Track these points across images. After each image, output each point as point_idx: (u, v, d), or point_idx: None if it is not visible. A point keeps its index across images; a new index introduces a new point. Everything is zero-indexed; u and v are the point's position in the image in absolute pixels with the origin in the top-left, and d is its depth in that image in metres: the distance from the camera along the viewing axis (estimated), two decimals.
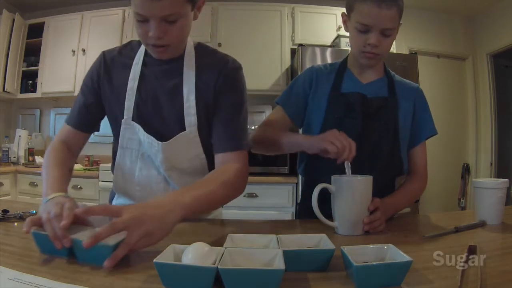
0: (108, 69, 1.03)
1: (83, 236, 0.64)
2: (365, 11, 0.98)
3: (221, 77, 1.01)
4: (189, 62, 1.01)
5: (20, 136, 3.51)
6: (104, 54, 1.06)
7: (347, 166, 0.90)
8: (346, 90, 1.12)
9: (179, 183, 1.03)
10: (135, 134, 1.02)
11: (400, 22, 1.05)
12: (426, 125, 1.16)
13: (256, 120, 3.53)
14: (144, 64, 1.01)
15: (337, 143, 0.90)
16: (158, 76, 1.01)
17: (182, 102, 1.00)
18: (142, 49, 1.03)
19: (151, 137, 0.99)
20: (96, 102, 1.05)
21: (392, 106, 1.11)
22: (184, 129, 1.00)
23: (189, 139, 1.01)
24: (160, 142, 0.99)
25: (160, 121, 1.01)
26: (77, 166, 3.34)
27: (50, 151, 1.01)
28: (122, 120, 1.01)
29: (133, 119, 1.01)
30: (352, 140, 0.91)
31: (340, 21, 3.18)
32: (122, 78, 1.01)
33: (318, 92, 1.15)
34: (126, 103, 1.00)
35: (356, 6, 1.01)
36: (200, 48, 1.05)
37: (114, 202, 1.14)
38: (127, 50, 1.05)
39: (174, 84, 1.01)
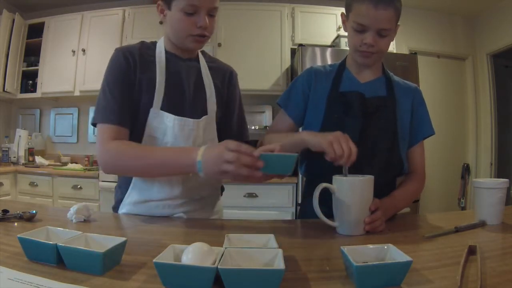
0: (135, 63, 1.08)
1: (74, 244, 0.62)
2: (362, 11, 1.00)
3: (231, 81, 1.24)
4: (202, 62, 1.19)
5: (20, 136, 3.51)
6: (123, 50, 1.09)
7: (345, 169, 0.90)
8: (345, 89, 1.13)
9: None
10: (162, 123, 1.08)
11: (398, 24, 1.06)
12: (424, 125, 1.16)
13: (256, 120, 3.53)
14: (166, 60, 1.12)
15: (336, 147, 0.89)
16: (182, 71, 1.13)
17: (204, 93, 1.15)
18: (160, 47, 1.13)
19: (185, 118, 1.09)
20: (132, 95, 1.08)
21: (390, 105, 1.11)
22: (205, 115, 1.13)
23: (208, 123, 1.15)
24: (196, 120, 1.10)
25: (186, 109, 1.11)
26: (77, 166, 3.34)
27: (119, 151, 1.01)
28: (151, 109, 1.07)
29: (161, 109, 1.08)
30: (354, 145, 0.90)
31: (340, 21, 3.20)
32: (146, 72, 1.09)
33: (317, 91, 1.16)
34: (156, 94, 1.07)
35: (354, 6, 1.03)
36: (204, 54, 1.23)
37: (120, 211, 1.13)
38: (144, 48, 1.13)
39: (195, 77, 1.15)
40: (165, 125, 1.08)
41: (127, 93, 1.07)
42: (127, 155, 1.00)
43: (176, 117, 1.08)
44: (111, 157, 1.02)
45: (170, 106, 1.09)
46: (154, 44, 1.15)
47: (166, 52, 1.13)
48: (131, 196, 1.11)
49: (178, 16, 1.03)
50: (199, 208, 1.15)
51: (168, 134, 1.08)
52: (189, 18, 1.02)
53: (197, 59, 1.19)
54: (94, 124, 1.07)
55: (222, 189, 1.29)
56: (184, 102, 1.12)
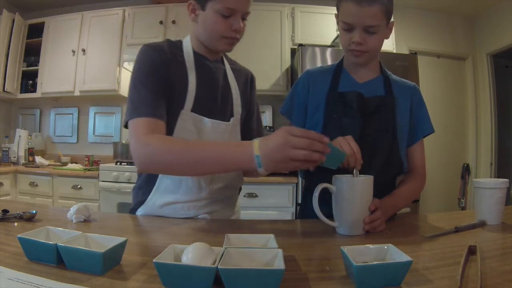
0: (168, 61, 1.05)
1: (74, 244, 0.62)
2: (347, 10, 1.01)
3: (252, 84, 1.27)
4: (227, 65, 1.20)
5: (20, 136, 3.51)
6: (154, 46, 1.05)
7: (356, 173, 0.91)
8: (343, 89, 1.13)
9: None
10: (193, 125, 1.06)
11: (392, 20, 1.05)
12: (423, 123, 1.16)
13: None
14: (195, 60, 1.10)
15: (345, 147, 0.90)
16: (211, 72, 1.12)
17: (230, 95, 1.16)
18: (187, 47, 1.11)
19: (217, 121, 1.10)
20: (166, 91, 1.02)
21: (389, 104, 1.11)
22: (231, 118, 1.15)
23: (234, 125, 1.16)
24: (227, 122, 1.13)
25: (215, 111, 1.11)
26: (77, 166, 3.34)
27: (161, 145, 0.91)
28: (182, 111, 1.04)
29: (191, 110, 1.06)
30: (356, 145, 0.91)
31: None
32: (178, 72, 1.06)
33: (316, 93, 1.16)
34: (188, 95, 1.05)
35: (340, 5, 1.04)
36: (226, 56, 1.23)
37: (138, 213, 1.11)
38: (172, 47, 1.09)
39: (222, 79, 1.16)
40: (197, 127, 1.06)
41: (161, 87, 1.01)
42: (172, 149, 0.90)
43: (209, 119, 1.07)
44: (151, 152, 0.91)
45: (200, 108, 1.07)
46: (180, 43, 1.12)
47: (194, 52, 1.11)
48: (155, 198, 1.08)
49: (214, 18, 1.02)
50: (221, 208, 1.15)
51: (199, 136, 1.07)
52: (224, 20, 1.02)
53: (222, 61, 1.19)
54: (126, 125, 1.00)
55: (240, 188, 1.29)
56: (214, 104, 1.11)
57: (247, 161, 0.81)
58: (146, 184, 1.11)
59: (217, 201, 1.13)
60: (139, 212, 1.11)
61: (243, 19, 1.06)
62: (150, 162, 0.93)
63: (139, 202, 1.11)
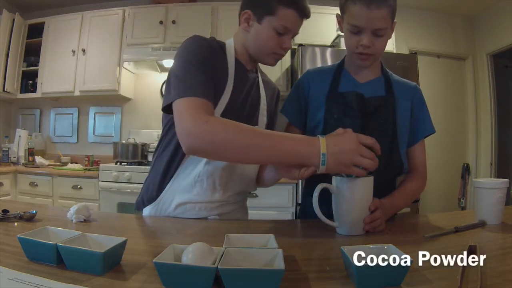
0: (217, 56, 1.06)
1: (74, 244, 0.62)
2: (355, 12, 0.99)
3: (278, 98, 1.30)
4: (259, 75, 1.22)
5: (20, 136, 3.51)
6: (204, 38, 1.05)
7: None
8: (343, 89, 1.13)
9: (243, 172, 1.13)
10: None
11: (395, 21, 1.05)
12: (424, 123, 1.16)
13: None
14: (235, 66, 1.10)
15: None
16: (246, 82, 1.14)
17: (259, 105, 1.18)
18: (230, 51, 1.11)
19: None
20: (213, 80, 1.00)
21: (390, 105, 1.11)
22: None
23: None
24: None
25: (241, 118, 1.07)
26: (77, 166, 3.34)
27: (223, 123, 0.88)
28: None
29: (221, 115, 1.03)
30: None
31: None
32: (220, 72, 1.05)
33: (316, 93, 1.16)
34: (221, 99, 1.04)
35: (347, 8, 1.02)
36: (258, 67, 1.24)
37: (145, 211, 1.10)
38: (219, 46, 1.09)
39: (255, 89, 1.18)
40: None
41: (211, 75, 0.99)
42: (234, 129, 0.86)
43: None
44: (211, 129, 0.86)
45: (229, 114, 1.03)
46: (223, 45, 1.12)
47: (235, 59, 1.11)
48: (167, 197, 1.07)
49: (268, 33, 1.06)
50: (232, 210, 1.15)
51: None
52: (278, 37, 1.06)
53: (256, 71, 1.21)
54: (166, 108, 0.96)
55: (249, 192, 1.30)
56: (242, 112, 1.11)
57: (311, 156, 0.82)
58: (159, 179, 1.09)
59: (229, 204, 1.13)
60: (147, 211, 1.10)
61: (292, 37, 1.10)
62: (208, 140, 0.86)
63: (149, 199, 1.10)
